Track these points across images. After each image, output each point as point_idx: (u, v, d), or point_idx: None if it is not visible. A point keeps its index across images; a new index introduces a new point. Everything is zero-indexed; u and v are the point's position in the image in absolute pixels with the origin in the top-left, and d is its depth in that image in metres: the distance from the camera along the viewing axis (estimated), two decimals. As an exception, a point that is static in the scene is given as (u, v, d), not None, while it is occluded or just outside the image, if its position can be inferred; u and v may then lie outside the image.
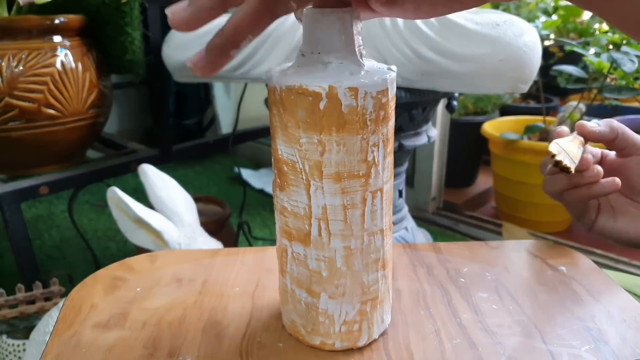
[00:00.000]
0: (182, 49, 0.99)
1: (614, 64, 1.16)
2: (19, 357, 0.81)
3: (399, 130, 0.90)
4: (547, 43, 1.57)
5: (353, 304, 0.29)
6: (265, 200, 1.67)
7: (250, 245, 1.26)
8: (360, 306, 0.30)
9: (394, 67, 0.28)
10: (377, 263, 0.29)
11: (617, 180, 0.39)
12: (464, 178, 1.75)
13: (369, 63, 0.27)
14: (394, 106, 0.28)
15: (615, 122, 0.40)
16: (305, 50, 0.27)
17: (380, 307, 0.31)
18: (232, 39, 0.23)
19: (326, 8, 0.26)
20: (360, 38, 0.27)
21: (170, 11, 0.23)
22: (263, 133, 1.33)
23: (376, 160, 0.27)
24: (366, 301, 0.30)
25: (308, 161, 0.26)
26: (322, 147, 0.26)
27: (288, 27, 0.84)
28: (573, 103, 1.47)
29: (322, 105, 0.25)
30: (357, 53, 0.26)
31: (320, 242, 0.28)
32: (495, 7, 1.03)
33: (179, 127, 2.08)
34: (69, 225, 1.50)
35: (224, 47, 0.23)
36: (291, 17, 0.97)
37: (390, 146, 0.28)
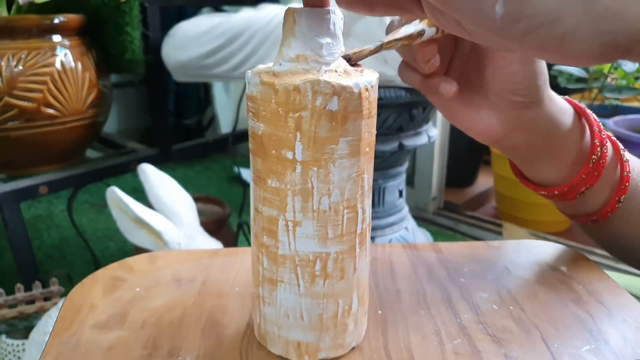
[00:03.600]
0: (182, 48, 0.99)
1: (615, 64, 1.16)
2: (19, 357, 0.81)
3: (399, 130, 0.90)
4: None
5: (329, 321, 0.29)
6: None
7: (250, 245, 1.26)
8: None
9: (375, 72, 0.28)
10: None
11: (453, 88, 0.33)
12: (465, 178, 1.75)
13: (346, 62, 0.28)
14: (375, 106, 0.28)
15: None
16: (284, 49, 0.27)
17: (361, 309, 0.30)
18: None
19: (307, 7, 0.26)
20: (341, 36, 0.27)
21: None
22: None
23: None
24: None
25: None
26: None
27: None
28: (573, 103, 1.47)
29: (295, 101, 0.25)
30: (338, 52, 0.27)
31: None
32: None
33: (179, 126, 2.08)
34: (69, 225, 1.50)
35: None
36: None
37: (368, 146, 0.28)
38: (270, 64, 0.28)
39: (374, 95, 0.27)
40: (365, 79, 0.26)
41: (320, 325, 0.29)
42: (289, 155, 0.26)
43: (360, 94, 0.25)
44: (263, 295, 0.29)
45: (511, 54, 0.31)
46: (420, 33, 0.31)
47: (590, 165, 0.35)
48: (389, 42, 0.31)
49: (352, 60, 0.29)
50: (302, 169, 0.26)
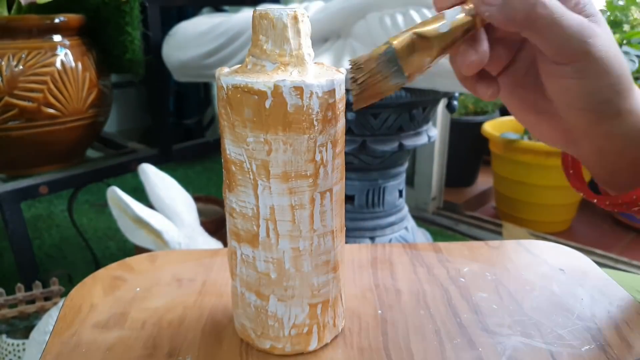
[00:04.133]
0: (182, 48, 0.99)
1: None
2: (19, 357, 0.81)
3: (399, 130, 0.90)
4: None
5: (302, 307, 0.29)
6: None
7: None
8: (310, 309, 0.29)
9: (343, 70, 0.28)
10: (328, 265, 0.29)
11: (488, 91, 0.30)
12: (464, 178, 1.75)
13: (317, 65, 0.28)
14: (343, 108, 0.28)
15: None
16: (254, 50, 0.27)
17: (331, 310, 0.30)
18: None
19: (274, 9, 0.26)
20: (309, 39, 0.27)
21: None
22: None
23: (324, 161, 0.27)
24: (316, 304, 0.29)
25: (255, 160, 0.26)
26: (269, 146, 0.26)
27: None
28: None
29: (267, 103, 0.25)
30: (305, 54, 0.27)
31: (269, 244, 0.28)
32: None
33: (179, 126, 2.08)
34: (69, 225, 1.50)
35: None
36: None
37: (340, 147, 0.28)
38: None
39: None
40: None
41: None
42: None
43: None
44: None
45: (561, 67, 0.27)
46: (439, 17, 0.27)
47: None
48: (401, 43, 0.26)
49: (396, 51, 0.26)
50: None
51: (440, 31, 0.26)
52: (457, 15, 0.26)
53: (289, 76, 0.26)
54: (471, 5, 0.27)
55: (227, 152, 0.27)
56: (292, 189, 0.27)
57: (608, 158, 0.31)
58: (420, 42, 0.26)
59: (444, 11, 0.27)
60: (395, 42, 0.26)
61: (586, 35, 0.26)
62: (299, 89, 0.25)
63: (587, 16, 0.27)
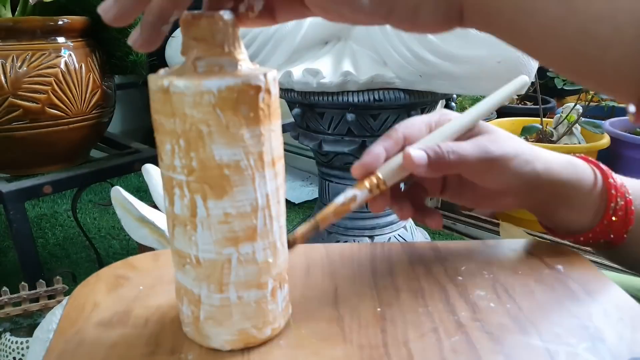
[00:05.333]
0: (185, 49, 0.99)
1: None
2: (22, 355, 0.82)
3: (399, 131, 0.90)
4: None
5: (285, 277, 0.32)
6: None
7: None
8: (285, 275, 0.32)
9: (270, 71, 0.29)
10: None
11: (437, 224, 0.39)
12: (464, 178, 1.75)
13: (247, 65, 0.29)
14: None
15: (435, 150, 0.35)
16: (205, 54, 0.28)
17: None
18: (160, 15, 0.25)
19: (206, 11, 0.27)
20: (241, 41, 0.28)
21: (101, 9, 0.25)
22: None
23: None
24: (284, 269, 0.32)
25: (252, 155, 0.27)
26: (263, 138, 0.27)
27: (289, 29, 0.85)
28: (570, 104, 1.48)
29: (261, 97, 0.27)
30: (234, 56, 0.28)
31: (265, 231, 0.29)
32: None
33: (182, 127, 2.08)
34: (73, 224, 1.51)
35: (154, 24, 0.25)
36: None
37: None
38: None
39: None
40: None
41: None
42: None
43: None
44: None
45: (498, 197, 0.40)
46: (353, 199, 0.34)
47: (611, 212, 0.39)
48: (323, 217, 0.34)
49: (297, 243, 0.33)
50: None
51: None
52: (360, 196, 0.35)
53: (269, 70, 0.28)
54: (365, 184, 0.34)
55: (217, 158, 0.27)
56: (276, 172, 0.29)
57: (546, 200, 0.39)
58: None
59: (356, 194, 0.34)
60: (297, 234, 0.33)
61: (483, 151, 0.35)
62: (276, 81, 0.28)
63: (477, 135, 0.37)
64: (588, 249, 0.44)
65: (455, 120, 0.37)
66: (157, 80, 0.27)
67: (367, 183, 0.34)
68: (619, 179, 0.40)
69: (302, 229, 0.33)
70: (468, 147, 0.35)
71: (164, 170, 0.29)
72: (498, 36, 0.25)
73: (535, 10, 0.22)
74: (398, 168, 0.35)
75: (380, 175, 0.34)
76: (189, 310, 0.31)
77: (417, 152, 0.34)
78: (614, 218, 0.39)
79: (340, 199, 0.34)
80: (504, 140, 0.36)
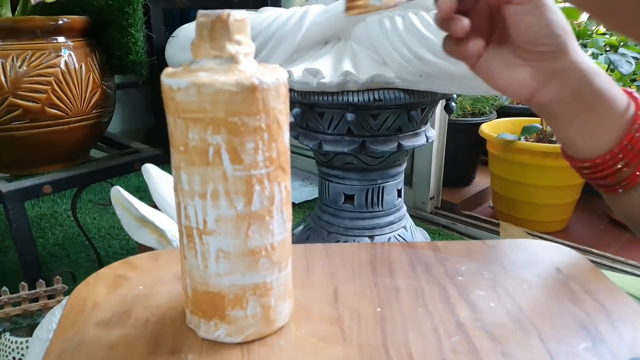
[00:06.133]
0: (185, 50, 0.99)
1: (612, 66, 1.16)
2: (22, 355, 0.82)
3: (398, 131, 0.90)
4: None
5: None
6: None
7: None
8: None
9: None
10: None
11: (477, 45, 0.37)
12: (462, 178, 1.75)
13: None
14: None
15: None
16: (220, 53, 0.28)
17: None
18: None
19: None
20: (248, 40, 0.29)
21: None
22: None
23: None
24: None
25: (274, 141, 0.30)
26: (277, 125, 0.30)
27: (290, 28, 0.85)
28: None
29: (282, 92, 0.29)
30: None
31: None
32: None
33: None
34: (72, 224, 1.51)
35: None
36: (293, 18, 0.98)
37: None
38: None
39: (184, 99, 0.27)
40: (176, 80, 0.27)
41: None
42: None
43: (164, 90, 0.27)
44: None
45: (523, 6, 0.34)
46: None
47: (625, 142, 0.36)
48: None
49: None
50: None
51: None
52: None
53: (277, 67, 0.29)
54: None
55: (286, 142, 0.30)
56: None
57: (568, 100, 0.37)
58: None
59: None
60: None
61: None
62: None
63: None
64: (588, 248, 0.43)
65: None
66: (242, 82, 0.26)
67: None
68: None
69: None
70: None
71: (242, 172, 0.28)
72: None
73: None
74: None
75: None
76: (258, 305, 0.31)
77: None
78: (637, 134, 0.36)
79: None
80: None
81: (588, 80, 0.36)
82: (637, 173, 0.37)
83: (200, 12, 0.28)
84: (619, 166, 0.37)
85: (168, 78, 0.27)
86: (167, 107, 0.28)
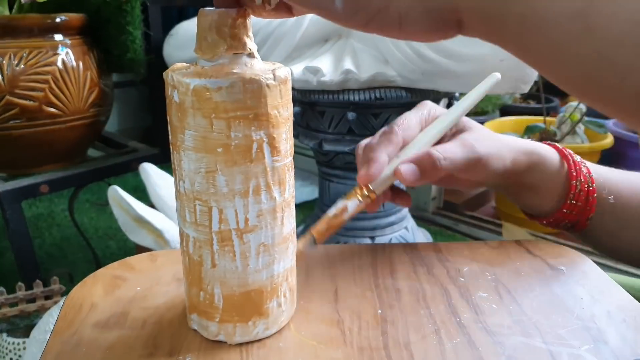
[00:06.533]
0: (183, 48, 0.99)
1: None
2: (19, 356, 0.82)
3: (399, 130, 0.90)
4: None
5: None
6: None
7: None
8: None
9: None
10: None
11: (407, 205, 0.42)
12: (464, 178, 1.75)
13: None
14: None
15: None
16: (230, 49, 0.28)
17: None
18: None
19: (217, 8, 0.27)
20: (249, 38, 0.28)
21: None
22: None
23: None
24: None
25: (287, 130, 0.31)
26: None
27: (289, 26, 0.84)
28: (573, 103, 1.47)
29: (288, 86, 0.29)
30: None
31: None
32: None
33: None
34: (70, 224, 1.50)
35: None
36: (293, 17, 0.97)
37: None
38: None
39: (227, 97, 0.26)
40: (214, 80, 0.26)
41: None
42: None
43: (196, 91, 0.26)
44: None
45: (468, 188, 0.44)
46: (344, 209, 0.36)
47: (569, 201, 0.41)
48: (318, 232, 0.35)
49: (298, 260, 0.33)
50: (171, 150, 0.29)
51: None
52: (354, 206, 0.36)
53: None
54: (364, 191, 0.36)
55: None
56: None
57: (511, 185, 0.42)
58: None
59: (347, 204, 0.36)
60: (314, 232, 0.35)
61: (471, 151, 0.37)
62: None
63: (461, 131, 0.39)
64: (588, 249, 0.44)
65: (443, 118, 0.39)
66: (279, 76, 0.28)
67: (358, 194, 0.36)
68: (592, 169, 0.42)
69: (299, 245, 0.34)
70: (458, 151, 0.37)
71: (279, 162, 0.29)
72: (505, 49, 0.22)
73: (544, 24, 0.19)
74: (387, 178, 0.37)
75: (371, 187, 0.36)
76: (287, 289, 0.32)
77: (408, 168, 0.36)
78: (574, 202, 0.41)
79: (332, 211, 0.36)
80: (486, 138, 0.39)
81: (524, 169, 0.40)
82: (586, 222, 0.42)
83: (214, 9, 0.27)
84: (570, 219, 0.42)
85: (197, 78, 0.26)
86: (198, 109, 0.26)
